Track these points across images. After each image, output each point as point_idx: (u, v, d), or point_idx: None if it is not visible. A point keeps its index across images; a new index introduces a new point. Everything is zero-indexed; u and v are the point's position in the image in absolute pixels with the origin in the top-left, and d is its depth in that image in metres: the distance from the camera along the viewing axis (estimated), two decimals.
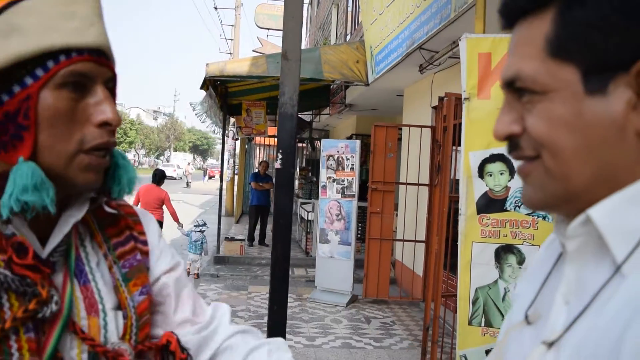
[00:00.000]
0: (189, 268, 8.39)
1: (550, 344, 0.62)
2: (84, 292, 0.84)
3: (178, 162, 56.53)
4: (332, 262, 7.33)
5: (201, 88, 8.55)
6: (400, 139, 7.93)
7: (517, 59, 0.63)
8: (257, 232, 11.42)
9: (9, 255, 0.74)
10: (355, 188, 7.29)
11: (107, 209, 0.93)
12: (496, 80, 2.71)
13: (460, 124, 3.94)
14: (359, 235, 8.34)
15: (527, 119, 0.62)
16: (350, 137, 12.32)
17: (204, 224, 8.54)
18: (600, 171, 0.59)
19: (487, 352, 2.81)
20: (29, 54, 0.73)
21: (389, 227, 7.27)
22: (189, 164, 47.87)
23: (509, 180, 2.74)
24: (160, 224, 8.41)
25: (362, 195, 7.61)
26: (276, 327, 3.17)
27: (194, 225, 8.51)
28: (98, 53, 0.79)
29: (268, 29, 21.03)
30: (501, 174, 2.74)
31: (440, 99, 4.11)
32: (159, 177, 8.38)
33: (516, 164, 0.68)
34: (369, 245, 7.16)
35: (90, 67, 0.78)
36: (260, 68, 7.86)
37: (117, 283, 0.89)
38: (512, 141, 0.65)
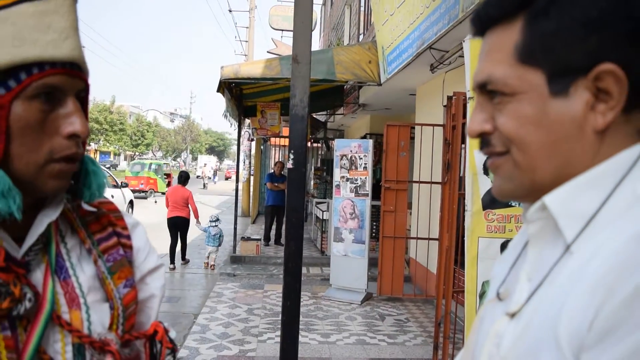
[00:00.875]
0: (206, 261, 9.58)
1: (512, 315, 0.71)
2: (64, 287, 0.86)
3: (204, 164, 59.12)
4: (347, 261, 7.42)
5: (217, 91, 8.70)
6: (413, 138, 7.99)
7: (489, 64, 0.72)
8: (273, 232, 11.54)
9: None
10: (368, 187, 7.37)
11: (87, 207, 0.96)
12: None
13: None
14: (373, 234, 8.41)
15: (498, 118, 0.71)
16: (364, 137, 12.39)
17: (217, 219, 9.54)
18: (562, 164, 0.68)
19: None
20: (2, 66, 0.74)
21: (402, 225, 7.34)
22: (208, 165, 48.21)
23: None
24: (186, 221, 9.33)
25: (377, 194, 7.69)
26: (290, 322, 3.28)
27: (210, 221, 9.48)
28: (71, 65, 0.81)
29: (282, 30, 21.15)
30: None
31: (449, 98, 4.19)
32: (184, 178, 9.55)
33: (488, 159, 0.77)
34: (383, 243, 7.24)
35: (63, 80, 0.80)
36: (274, 70, 7.98)
37: (103, 276, 0.92)
38: (484, 139, 0.74)
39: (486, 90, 0.72)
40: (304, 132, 3.22)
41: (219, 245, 9.63)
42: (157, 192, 27.06)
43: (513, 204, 2.82)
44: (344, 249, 7.45)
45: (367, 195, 7.38)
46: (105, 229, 0.97)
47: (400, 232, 7.30)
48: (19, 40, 0.75)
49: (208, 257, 9.59)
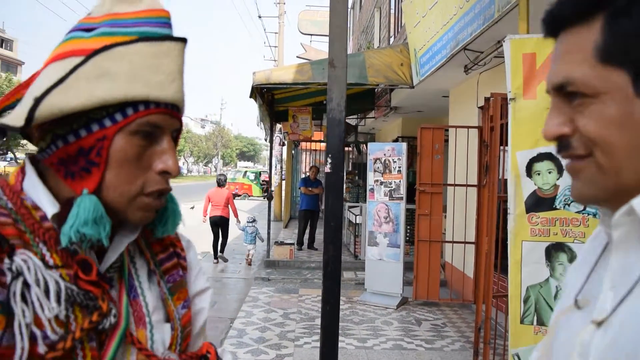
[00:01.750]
0: (247, 256, 10.43)
1: (599, 324, 0.68)
2: (133, 305, 0.90)
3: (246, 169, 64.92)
4: (382, 265, 7.37)
5: (250, 97, 8.75)
6: (446, 141, 7.91)
7: (567, 65, 0.69)
8: (306, 236, 11.56)
9: (74, 271, 0.80)
10: (402, 190, 7.32)
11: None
12: (541, 80, 2.73)
13: (507, 124, 3.95)
14: (407, 238, 8.35)
15: (579, 120, 0.68)
16: (396, 140, 12.32)
17: (254, 220, 10.36)
18: None
19: None
20: (114, 101, 0.79)
21: (437, 228, 7.26)
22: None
23: (558, 179, 2.74)
24: (227, 220, 10.34)
25: (410, 197, 7.63)
26: (329, 327, 3.26)
27: (247, 221, 10.27)
28: (172, 106, 0.86)
29: (311, 34, 21.21)
30: (549, 172, 2.75)
31: (487, 100, 4.12)
32: (224, 180, 10.58)
33: (564, 162, 0.74)
34: (418, 247, 7.17)
35: (163, 119, 0.84)
36: (305, 75, 7.99)
37: (165, 297, 0.95)
38: (562, 141, 0.71)
39: (564, 92, 0.70)
40: (342, 136, 3.20)
41: (255, 242, 10.35)
42: (252, 196, 30.68)
43: (558, 207, 2.75)
44: (378, 253, 7.40)
45: (401, 198, 7.33)
46: (166, 250, 1.01)
47: (435, 236, 7.21)
48: (132, 78, 0.80)
49: (248, 254, 10.43)
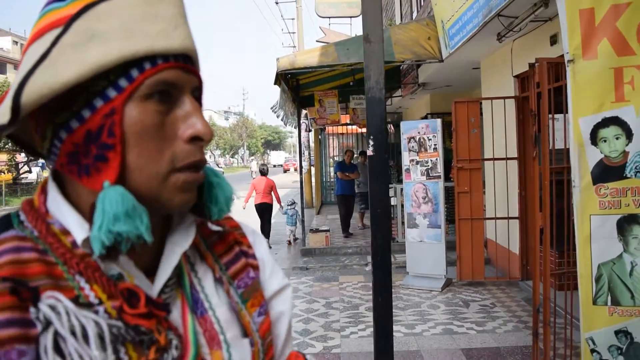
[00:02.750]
0: (289, 236, 11.21)
1: None
2: (202, 324, 0.76)
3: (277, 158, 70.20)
4: (423, 247, 7.16)
5: (275, 84, 8.56)
6: (480, 114, 7.61)
7: None
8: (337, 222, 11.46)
9: (120, 304, 0.66)
10: (440, 168, 7.07)
11: (212, 227, 0.84)
12: (603, 38, 2.48)
13: (554, 90, 3.68)
14: (446, 217, 8.11)
15: None
16: (425, 117, 12.01)
17: (294, 202, 10.98)
18: None
19: (617, 332, 2.59)
20: (112, 63, 0.64)
21: (478, 205, 7.01)
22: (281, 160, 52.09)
23: (627, 145, 2.49)
24: (270, 206, 10.88)
25: (445, 175, 7.38)
26: (383, 319, 3.08)
27: (287, 205, 10.92)
28: (184, 59, 0.70)
29: (330, 17, 20.85)
30: (617, 138, 2.50)
31: (531, 65, 3.85)
32: (266, 170, 11.19)
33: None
34: (460, 226, 6.94)
35: (177, 75, 0.69)
36: (330, 57, 7.76)
37: (238, 307, 0.80)
38: None
39: None
40: (383, 115, 3.00)
41: (296, 224, 11.05)
42: None
43: (628, 175, 2.51)
44: (419, 234, 7.19)
45: (439, 177, 7.08)
46: (231, 250, 0.85)
47: (477, 213, 6.97)
48: (126, 33, 0.65)
49: (289, 235, 11.19)
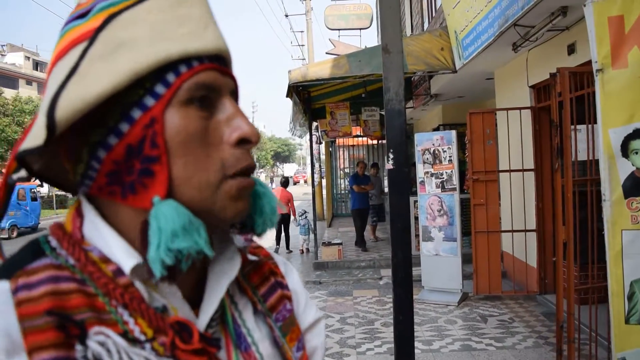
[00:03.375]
0: (302, 246, 11.67)
1: None
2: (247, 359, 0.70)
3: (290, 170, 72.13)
4: (439, 260, 7.03)
5: (287, 96, 8.52)
6: (495, 125, 7.51)
7: None
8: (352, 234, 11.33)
9: (171, 340, 0.60)
10: (455, 180, 6.96)
11: (250, 257, 0.77)
12: (633, 46, 2.38)
13: (577, 99, 3.58)
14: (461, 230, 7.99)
15: None
16: (437, 129, 11.91)
17: (305, 212, 11.48)
18: None
19: None
20: (146, 68, 0.60)
21: (495, 218, 6.89)
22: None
23: None
24: (288, 217, 11.22)
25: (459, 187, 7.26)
26: (404, 337, 2.98)
27: (299, 215, 11.52)
28: (218, 60, 0.66)
29: (339, 29, 20.87)
30: None
31: (552, 75, 3.76)
32: (286, 181, 11.79)
33: None
34: (476, 238, 6.81)
35: (214, 77, 0.64)
36: (342, 68, 7.70)
37: (280, 340, 0.75)
38: None
39: None
40: (403, 128, 2.92)
41: (309, 233, 11.39)
42: None
43: None
44: (434, 248, 7.07)
45: (454, 189, 6.97)
46: (267, 281, 0.80)
47: (493, 226, 6.84)
48: (156, 38, 0.61)
49: (302, 244, 11.68)
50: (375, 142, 17.35)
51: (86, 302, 0.59)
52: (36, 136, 0.59)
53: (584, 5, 2.45)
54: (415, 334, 5.65)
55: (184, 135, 0.61)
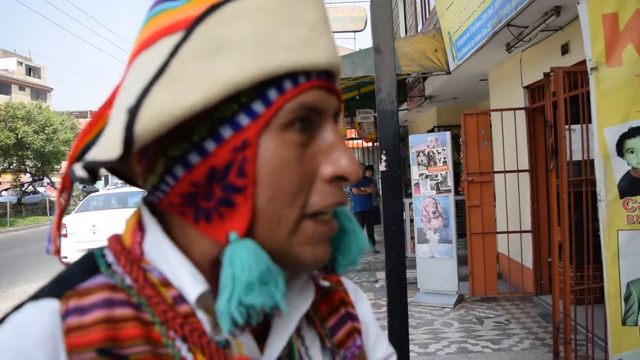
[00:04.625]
0: None
1: None
2: None
3: None
4: (434, 262, 7.00)
5: None
6: (490, 126, 7.50)
7: None
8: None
9: None
10: (450, 182, 6.93)
11: (322, 283, 0.68)
12: (627, 43, 2.36)
13: (571, 99, 3.56)
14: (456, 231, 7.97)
15: None
16: (431, 130, 11.90)
17: None
18: None
19: None
20: (248, 81, 0.49)
21: (490, 219, 6.86)
22: None
23: None
24: None
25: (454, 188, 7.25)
26: (399, 343, 2.94)
27: None
28: (326, 75, 0.55)
29: (334, 32, 20.89)
30: None
31: (546, 75, 3.73)
32: None
33: None
34: (472, 240, 6.78)
35: (321, 97, 0.54)
36: None
37: None
38: None
39: None
40: (395, 130, 2.88)
41: None
42: None
43: None
44: (429, 250, 7.04)
45: (449, 191, 6.94)
46: (337, 312, 0.70)
47: (488, 227, 6.81)
48: (262, 43, 0.50)
49: None
50: (370, 144, 17.35)
51: (142, 333, 0.51)
52: (108, 148, 0.50)
53: (578, 3, 2.42)
54: (411, 337, 5.62)
55: (277, 165, 0.52)
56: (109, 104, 0.57)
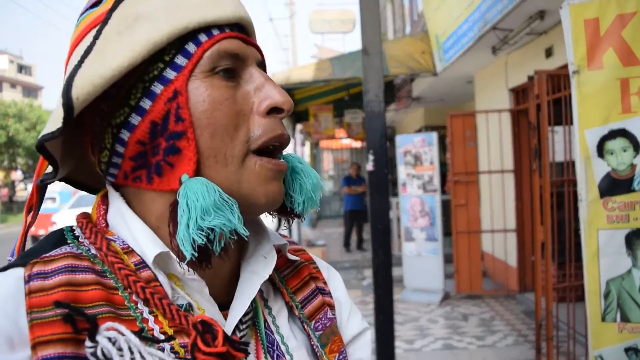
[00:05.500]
0: None
1: None
2: None
3: None
4: (420, 260, 7.08)
5: None
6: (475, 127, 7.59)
7: None
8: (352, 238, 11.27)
9: (192, 340, 0.55)
10: (436, 182, 7.02)
11: (289, 256, 0.72)
12: (608, 48, 2.43)
13: (554, 101, 3.64)
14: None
15: None
16: (419, 131, 12.00)
17: None
18: None
19: (627, 350, 2.52)
20: (164, 39, 0.57)
21: (475, 218, 6.97)
22: None
23: (635, 157, 2.44)
24: None
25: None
26: (385, 339, 3.00)
27: None
28: (239, 29, 0.63)
29: (323, 33, 20.96)
30: (624, 150, 2.45)
31: (530, 78, 3.82)
32: None
33: None
34: (457, 239, 6.88)
35: (238, 45, 0.61)
36: (326, 71, 7.73)
37: (318, 351, 0.69)
38: None
39: None
40: (383, 130, 2.94)
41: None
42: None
43: (636, 188, 2.45)
44: (416, 248, 7.12)
45: (435, 190, 7.02)
46: (307, 286, 0.74)
47: (474, 226, 6.92)
48: (173, 8, 0.59)
49: None
50: (358, 144, 17.43)
51: (103, 296, 0.55)
52: (55, 119, 0.56)
53: (561, 8, 2.50)
54: (397, 333, 5.69)
55: (209, 104, 0.58)
56: None
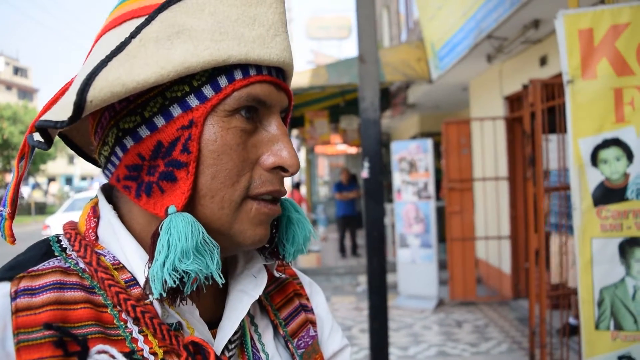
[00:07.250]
0: None
1: None
2: None
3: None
4: (415, 267, 7.09)
5: None
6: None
7: None
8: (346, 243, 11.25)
9: None
10: (431, 189, 7.04)
11: (275, 273, 0.72)
12: (601, 58, 2.46)
13: (548, 110, 3.67)
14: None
15: None
16: (414, 137, 12.04)
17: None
18: None
19: (620, 358, 2.54)
20: (200, 65, 0.54)
21: (470, 225, 6.99)
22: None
23: (628, 167, 2.46)
24: None
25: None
26: (379, 345, 3.01)
27: None
28: (277, 73, 0.61)
29: (320, 38, 21.04)
30: (617, 160, 2.47)
31: (525, 86, 3.84)
32: (298, 184, 12.82)
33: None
34: (452, 246, 6.89)
35: (269, 92, 0.59)
36: (321, 78, 7.75)
37: None
38: None
39: None
40: (378, 137, 2.96)
41: None
42: None
43: (629, 197, 2.47)
44: (410, 255, 7.13)
45: (430, 197, 7.04)
46: (291, 303, 0.74)
47: (468, 233, 6.94)
48: (219, 34, 0.55)
49: None
50: (354, 150, 17.46)
51: (92, 315, 0.53)
52: (62, 110, 0.53)
53: (555, 18, 2.52)
54: (392, 339, 5.70)
55: (219, 146, 0.56)
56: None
